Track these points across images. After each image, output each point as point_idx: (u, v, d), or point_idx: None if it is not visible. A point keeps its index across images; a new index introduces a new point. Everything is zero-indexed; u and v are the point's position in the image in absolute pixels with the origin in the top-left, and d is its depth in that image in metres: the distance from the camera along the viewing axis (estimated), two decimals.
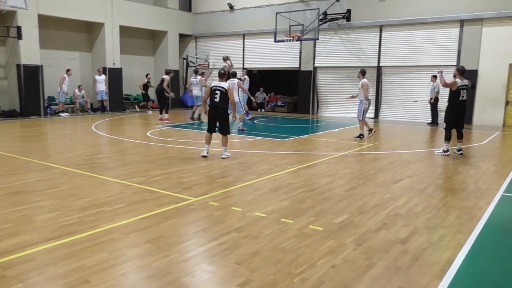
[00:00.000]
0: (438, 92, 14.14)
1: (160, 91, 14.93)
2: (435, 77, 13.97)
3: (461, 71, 8.43)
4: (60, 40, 17.76)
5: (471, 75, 14.51)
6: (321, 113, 18.52)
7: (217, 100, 7.88)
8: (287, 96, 20.40)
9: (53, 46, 17.42)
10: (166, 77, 14.98)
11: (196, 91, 14.57)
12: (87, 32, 18.74)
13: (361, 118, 10.93)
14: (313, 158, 8.21)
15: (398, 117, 16.43)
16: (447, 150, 8.53)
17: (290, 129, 13.03)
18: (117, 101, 18.63)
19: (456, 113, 8.46)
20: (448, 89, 8.63)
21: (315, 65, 18.32)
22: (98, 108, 18.09)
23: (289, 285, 3.10)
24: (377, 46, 16.66)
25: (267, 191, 5.75)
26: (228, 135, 8.17)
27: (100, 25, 18.09)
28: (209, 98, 8.04)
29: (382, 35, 16.55)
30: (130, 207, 4.95)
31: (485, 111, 14.65)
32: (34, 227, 4.26)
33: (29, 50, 15.68)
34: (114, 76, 18.19)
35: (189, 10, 22.15)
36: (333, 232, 4.18)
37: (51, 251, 3.66)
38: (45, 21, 16.24)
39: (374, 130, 11.08)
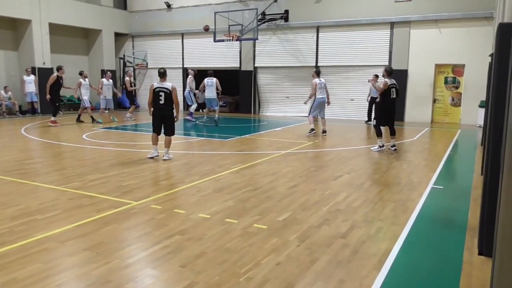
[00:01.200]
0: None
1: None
2: (377, 76, 14.48)
3: (389, 72, 8.91)
4: None
5: (401, 75, 15.45)
6: (263, 113, 18.74)
7: (162, 102, 7.64)
8: (228, 96, 20.41)
9: None
10: (54, 75, 13.23)
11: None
12: (12, 30, 17.43)
13: (308, 115, 12.03)
14: (256, 158, 8.29)
15: (336, 116, 17.06)
16: (382, 145, 9.01)
17: (232, 129, 13.05)
18: (49, 103, 17.53)
19: (387, 111, 8.94)
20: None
21: (256, 65, 18.50)
22: (28, 111, 16.93)
23: (235, 285, 3.10)
24: (315, 46, 17.18)
25: (211, 191, 5.71)
26: (172, 136, 8.01)
27: (27, 22, 16.91)
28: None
29: (319, 35, 17.09)
30: (65, 214, 4.68)
31: (415, 108, 15.66)
32: None
33: None
34: (45, 76, 17.11)
35: (124, 8, 21.40)
36: (277, 230, 4.24)
37: None
38: None
39: (314, 131, 11.56)
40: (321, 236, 4.10)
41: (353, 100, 16.73)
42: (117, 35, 20.86)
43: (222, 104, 19.89)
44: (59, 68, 13.27)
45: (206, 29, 14.53)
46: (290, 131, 12.75)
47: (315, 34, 17.11)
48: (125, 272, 3.32)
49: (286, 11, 17.27)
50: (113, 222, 4.48)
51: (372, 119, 9.19)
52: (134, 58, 21.00)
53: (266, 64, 18.33)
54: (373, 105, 14.96)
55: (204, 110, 14.87)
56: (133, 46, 21.41)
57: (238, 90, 19.19)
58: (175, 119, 7.97)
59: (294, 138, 11.00)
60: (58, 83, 13.11)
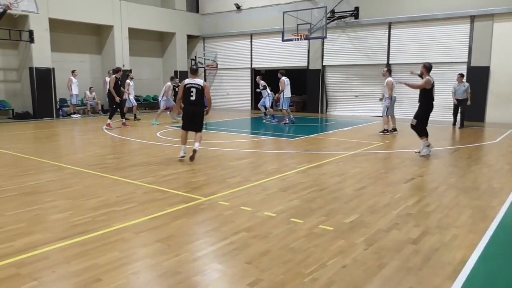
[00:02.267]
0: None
1: (108, 93, 13.08)
2: (462, 76, 13.57)
3: (428, 68, 8.10)
4: (71, 43, 17.98)
5: (482, 72, 14.38)
6: (330, 112, 18.44)
7: (193, 98, 7.48)
8: (295, 95, 20.33)
9: (64, 49, 17.64)
10: (112, 77, 12.83)
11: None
12: (97, 35, 18.92)
13: (384, 114, 11.66)
14: (323, 158, 8.18)
15: (409, 115, 16.25)
16: (429, 145, 8.24)
17: (299, 128, 13.00)
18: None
19: (429, 112, 8.23)
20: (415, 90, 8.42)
21: (324, 63, 18.25)
22: (109, 110, 18.23)
23: (299, 285, 3.09)
24: (386, 44, 16.55)
25: (276, 190, 5.74)
26: (202, 132, 7.84)
27: (110, 28, 18.26)
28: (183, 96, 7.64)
29: (391, 32, 16.43)
30: (140, 207, 4.99)
31: (498, 108, 14.46)
32: (47, 227, 4.31)
33: (41, 53, 15.89)
34: (124, 78, 18.31)
35: (197, 11, 22.24)
36: (344, 232, 4.16)
37: (63, 250, 3.71)
38: (55, 25, 16.45)
39: (388, 131, 11.30)
40: (390, 240, 3.94)
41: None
42: (189, 37, 21.74)
43: (289, 103, 19.98)
44: (118, 70, 12.99)
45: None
46: (359, 131, 12.41)
47: (387, 30, 16.48)
48: (193, 265, 3.46)
49: (357, 8, 16.84)
50: (183, 216, 4.68)
51: (413, 119, 8.28)
52: (205, 59, 21.75)
53: (334, 62, 18.01)
54: (459, 107, 13.87)
55: (287, 110, 13.95)
56: (204, 48, 22.18)
57: (306, 89, 19.07)
58: (206, 113, 7.80)
59: (363, 138, 10.69)
60: (117, 85, 12.80)
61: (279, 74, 13.66)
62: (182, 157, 7.77)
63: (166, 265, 3.42)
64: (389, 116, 11.72)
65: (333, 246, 3.79)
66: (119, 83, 12.99)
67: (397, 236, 4.05)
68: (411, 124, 8.31)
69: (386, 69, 11.81)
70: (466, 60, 14.75)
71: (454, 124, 13.89)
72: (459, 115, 13.28)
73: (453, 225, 4.37)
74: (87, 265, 3.41)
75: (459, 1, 14.68)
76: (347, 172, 6.88)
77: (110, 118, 12.92)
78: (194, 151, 7.57)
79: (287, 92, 13.55)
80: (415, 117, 8.26)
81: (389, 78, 11.26)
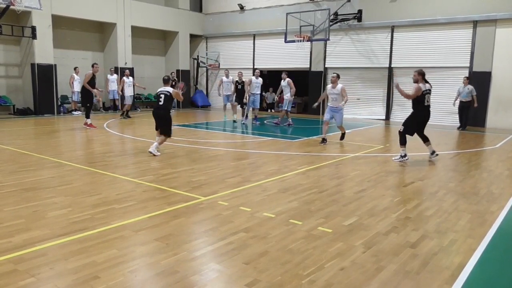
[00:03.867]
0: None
1: (82, 89, 12.45)
2: (468, 78, 13.63)
3: (423, 75, 7.88)
4: (73, 40, 18.00)
5: (484, 77, 14.38)
6: None
7: (161, 103, 8.35)
8: (297, 96, 20.36)
9: (66, 46, 17.66)
10: (89, 72, 12.07)
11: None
12: (100, 32, 18.94)
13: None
14: (323, 160, 8.18)
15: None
16: (405, 155, 8.01)
17: (299, 130, 13.00)
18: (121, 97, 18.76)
19: (420, 120, 8.04)
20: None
21: (326, 65, 18.26)
22: (110, 107, 18.27)
23: (297, 287, 3.09)
24: (389, 47, 16.56)
25: (276, 191, 5.74)
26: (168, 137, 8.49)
27: (112, 25, 18.27)
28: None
29: (394, 35, 16.44)
30: (140, 205, 4.99)
31: (499, 113, 14.46)
32: (46, 223, 4.31)
33: (43, 50, 15.91)
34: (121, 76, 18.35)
35: (200, 10, 22.26)
36: (342, 234, 4.16)
37: (62, 247, 3.71)
38: (58, 21, 16.47)
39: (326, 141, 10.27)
40: (388, 244, 3.94)
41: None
42: (192, 36, 21.76)
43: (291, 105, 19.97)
44: (93, 65, 12.26)
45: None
46: (359, 134, 12.41)
47: (390, 34, 16.49)
48: (191, 264, 3.46)
49: (360, 11, 16.84)
50: (182, 215, 4.68)
51: (401, 125, 8.13)
52: (207, 58, 21.77)
53: (337, 65, 18.01)
54: (463, 110, 13.81)
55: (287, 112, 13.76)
56: (206, 47, 22.19)
57: (307, 91, 19.07)
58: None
59: (363, 141, 10.69)
60: (93, 81, 12.02)
61: (283, 75, 13.49)
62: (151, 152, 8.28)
63: (164, 264, 3.42)
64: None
65: (331, 248, 3.79)
66: (95, 80, 12.17)
67: (396, 240, 4.05)
68: (399, 131, 8.13)
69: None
70: (468, 65, 14.75)
71: (460, 127, 13.89)
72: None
73: (451, 230, 4.37)
74: (85, 262, 3.41)
75: (462, 6, 14.69)
76: (346, 174, 6.88)
77: (87, 117, 12.30)
78: (149, 152, 8.25)
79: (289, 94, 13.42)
80: (403, 123, 8.12)
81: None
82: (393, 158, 8.25)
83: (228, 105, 15.20)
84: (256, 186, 6.00)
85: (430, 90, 8.00)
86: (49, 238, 3.90)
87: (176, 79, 17.63)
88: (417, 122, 8.06)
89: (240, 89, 14.39)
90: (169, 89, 8.55)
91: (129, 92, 15.66)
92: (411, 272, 3.36)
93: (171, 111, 8.65)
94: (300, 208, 4.99)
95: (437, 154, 8.31)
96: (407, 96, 7.88)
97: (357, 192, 5.80)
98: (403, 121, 8.22)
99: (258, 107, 14.56)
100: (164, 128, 8.39)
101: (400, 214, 4.84)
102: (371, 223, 4.50)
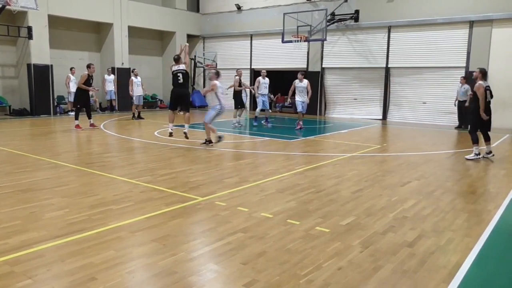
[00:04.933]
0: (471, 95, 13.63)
1: (76, 91, 12.34)
2: (465, 78, 13.70)
3: (483, 73, 8.24)
4: (70, 40, 17.94)
5: None
6: (329, 114, 18.47)
7: (180, 81, 8.93)
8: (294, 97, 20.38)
9: (63, 46, 17.61)
10: (84, 73, 11.97)
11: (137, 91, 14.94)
12: (96, 32, 18.89)
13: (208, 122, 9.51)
14: (320, 160, 8.19)
15: (407, 119, 16.34)
16: (479, 153, 8.35)
17: (297, 130, 12.99)
18: (126, 101, 18.74)
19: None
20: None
21: (323, 65, 18.28)
22: (107, 108, 18.22)
23: (295, 287, 3.09)
24: (386, 47, 16.59)
25: (274, 191, 5.74)
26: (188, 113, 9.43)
27: (109, 26, 18.23)
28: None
29: (391, 36, 16.48)
30: (137, 206, 4.98)
31: (495, 113, 14.42)
32: (42, 225, 4.30)
33: (39, 50, 15.85)
34: (124, 76, 18.33)
35: (197, 10, 22.24)
36: (340, 234, 4.16)
37: (59, 248, 3.69)
38: (55, 21, 16.42)
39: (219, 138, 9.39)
40: (386, 243, 3.95)
41: (425, 103, 15.93)
42: (189, 36, 21.73)
43: (288, 105, 19.90)
44: (88, 66, 12.14)
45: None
46: (356, 134, 12.43)
47: (387, 34, 16.52)
48: (189, 265, 3.46)
49: (357, 11, 16.88)
50: (180, 216, 4.68)
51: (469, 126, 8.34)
52: (204, 58, 21.74)
53: (334, 65, 18.05)
54: (462, 109, 13.88)
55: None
56: (203, 47, 22.17)
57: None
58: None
59: (360, 141, 10.70)
60: (88, 82, 11.92)
61: (299, 75, 12.75)
62: (171, 133, 9.48)
63: (161, 264, 3.42)
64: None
65: (329, 248, 3.80)
66: (91, 81, 12.07)
67: (393, 239, 4.06)
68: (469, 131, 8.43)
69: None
70: (464, 65, 14.80)
71: (459, 127, 13.96)
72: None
73: (449, 229, 4.38)
74: (83, 263, 3.40)
75: (458, 6, 14.73)
76: (344, 174, 6.89)
77: (76, 118, 12.07)
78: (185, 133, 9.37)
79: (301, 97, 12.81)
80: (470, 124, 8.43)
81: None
82: (466, 157, 8.44)
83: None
84: (254, 186, 6.00)
85: (489, 86, 8.36)
86: (46, 239, 3.88)
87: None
88: (481, 119, 8.20)
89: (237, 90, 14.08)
90: (183, 66, 9.07)
91: (138, 92, 15.05)
92: (408, 271, 3.37)
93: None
94: (298, 208, 5.00)
95: (493, 154, 8.49)
96: (481, 95, 8.02)
97: (354, 191, 5.81)
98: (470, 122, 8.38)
99: (268, 107, 14.22)
100: (186, 105, 9.16)
101: (397, 214, 4.85)
102: (368, 223, 4.51)
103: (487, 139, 8.44)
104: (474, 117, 8.26)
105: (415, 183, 6.39)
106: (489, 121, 8.32)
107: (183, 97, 9.26)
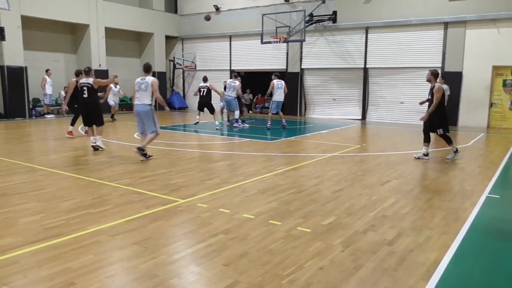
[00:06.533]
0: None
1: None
2: (443, 78, 13.98)
3: (436, 74, 8.25)
4: (44, 41, 17.54)
5: (455, 77, 14.80)
6: (309, 115, 18.61)
7: (85, 95, 8.66)
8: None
9: (37, 48, 17.19)
10: (72, 80, 11.02)
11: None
12: (72, 34, 18.52)
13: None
14: (301, 160, 8.24)
15: (385, 119, 16.61)
16: (457, 150, 8.40)
17: (277, 130, 13.05)
18: (105, 103, 18.40)
19: (446, 117, 8.25)
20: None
21: (302, 66, 18.41)
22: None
23: (277, 287, 3.09)
24: (363, 48, 16.83)
25: (255, 192, 5.74)
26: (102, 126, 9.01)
27: (85, 27, 17.90)
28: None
29: (368, 36, 16.73)
30: (117, 209, 4.90)
31: (470, 112, 14.90)
32: (17, 230, 4.18)
33: (13, 52, 15.44)
34: (100, 78, 17.95)
35: (175, 11, 22.07)
36: (321, 234, 4.19)
37: (35, 254, 3.60)
38: (28, 22, 16.02)
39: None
40: (366, 242, 4.00)
41: (402, 103, 16.22)
42: (168, 38, 21.55)
43: (268, 106, 19.93)
44: (78, 74, 10.64)
45: (207, 18, 14.27)
46: (336, 134, 12.56)
47: (364, 35, 16.77)
48: (170, 267, 3.42)
49: (335, 12, 17.06)
50: (160, 218, 4.62)
51: (437, 129, 8.25)
52: (183, 60, 21.60)
53: (313, 65, 18.20)
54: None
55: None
56: (182, 49, 22.02)
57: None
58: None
59: (340, 141, 10.82)
60: (76, 89, 10.43)
61: (273, 76, 13.19)
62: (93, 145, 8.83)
63: (142, 268, 3.37)
64: None
65: (310, 248, 3.82)
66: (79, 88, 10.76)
67: (373, 238, 4.11)
68: (440, 134, 8.28)
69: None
70: (440, 65, 15.14)
71: None
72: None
73: (426, 227, 4.47)
74: (60, 269, 3.31)
75: (433, 8, 15.08)
76: (324, 174, 6.95)
77: (72, 124, 11.33)
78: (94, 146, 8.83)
79: (275, 96, 13.12)
80: (439, 126, 8.22)
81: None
82: (449, 157, 8.40)
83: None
84: (235, 188, 5.98)
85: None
86: (21, 245, 3.78)
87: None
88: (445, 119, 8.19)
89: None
90: (91, 80, 8.83)
91: (112, 99, 15.20)
92: (388, 269, 3.42)
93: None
94: (279, 209, 5.01)
95: (428, 158, 8.43)
96: (437, 102, 7.94)
97: (335, 191, 5.86)
98: (437, 125, 8.19)
99: (235, 109, 14.08)
100: (96, 118, 8.87)
101: (377, 213, 4.92)
102: (349, 222, 4.56)
103: (429, 141, 8.39)
104: (440, 118, 8.18)
105: (394, 182, 6.49)
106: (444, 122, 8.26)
107: (92, 110, 8.79)
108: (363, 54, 16.84)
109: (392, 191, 5.97)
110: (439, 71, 14.99)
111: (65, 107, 9.84)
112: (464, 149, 9.98)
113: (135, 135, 11.34)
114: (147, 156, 7.85)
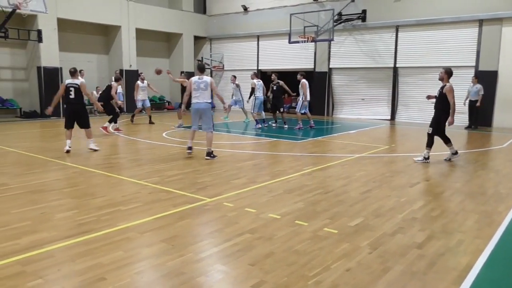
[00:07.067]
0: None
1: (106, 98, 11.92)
2: (476, 77, 13.64)
3: (450, 73, 7.93)
4: (78, 43, 18.11)
5: (490, 76, 14.30)
6: (336, 115, 18.41)
7: (72, 96, 8.41)
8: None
9: (72, 49, 17.77)
10: (114, 84, 12.02)
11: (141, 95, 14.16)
12: (104, 35, 19.04)
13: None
14: (328, 160, 8.16)
15: (415, 119, 16.22)
16: (428, 157, 7.99)
17: (304, 130, 12.98)
18: (133, 103, 18.80)
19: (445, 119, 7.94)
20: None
21: (330, 66, 18.23)
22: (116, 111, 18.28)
23: None
24: (393, 47, 16.51)
25: (281, 192, 5.73)
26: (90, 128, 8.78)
27: (117, 28, 18.36)
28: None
29: (398, 35, 16.39)
30: (145, 207, 5.00)
31: (506, 113, 14.35)
32: (52, 225, 4.34)
33: (49, 53, 16.03)
34: (131, 78, 18.43)
35: (204, 12, 22.31)
36: (348, 235, 4.14)
37: (68, 249, 3.72)
38: (63, 25, 16.58)
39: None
40: (395, 244, 3.92)
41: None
42: (196, 38, 21.81)
43: (295, 106, 19.83)
44: (118, 79, 12.36)
45: (158, 72, 12.76)
46: (364, 134, 12.37)
47: (394, 34, 16.43)
48: (197, 266, 3.46)
49: (364, 11, 16.81)
50: (188, 217, 4.69)
51: (429, 127, 8.04)
52: (211, 60, 21.80)
53: (341, 65, 17.99)
54: (473, 109, 13.70)
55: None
56: (210, 49, 22.24)
57: (311, 92, 18.98)
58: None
59: (368, 142, 10.65)
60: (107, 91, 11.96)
61: (299, 76, 13.00)
62: (68, 150, 8.54)
63: (170, 265, 3.43)
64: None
65: (337, 249, 3.78)
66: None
67: (402, 240, 4.03)
68: (428, 133, 8.01)
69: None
70: (474, 64, 14.67)
71: (469, 127, 13.83)
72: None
73: (458, 230, 4.34)
74: (92, 264, 3.42)
75: (467, 5, 14.61)
76: (352, 175, 6.86)
77: (114, 122, 12.15)
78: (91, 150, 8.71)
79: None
80: (431, 125, 7.99)
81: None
82: (415, 159, 8.10)
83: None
84: (262, 187, 6.00)
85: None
86: (56, 240, 3.92)
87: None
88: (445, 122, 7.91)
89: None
90: (78, 81, 8.57)
91: (142, 96, 14.45)
92: (417, 273, 3.34)
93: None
94: (306, 209, 4.98)
95: (458, 155, 8.16)
96: (454, 104, 7.73)
97: (362, 192, 5.78)
98: (432, 123, 8.01)
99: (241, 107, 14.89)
100: (83, 121, 8.66)
101: (406, 215, 4.82)
102: (377, 224, 4.49)
103: (449, 141, 8.07)
104: (437, 118, 7.96)
105: (424, 184, 6.34)
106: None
107: (78, 113, 8.57)
108: (393, 53, 16.51)
109: (421, 193, 5.83)
110: (473, 70, 14.58)
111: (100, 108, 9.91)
112: (499, 150, 9.63)
113: (174, 127, 11.55)
114: (213, 155, 8.09)
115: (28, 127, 13.45)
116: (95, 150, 8.73)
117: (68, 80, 8.59)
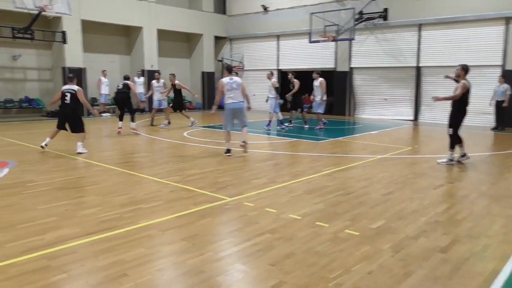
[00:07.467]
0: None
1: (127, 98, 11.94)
2: (503, 77, 13.31)
3: (466, 70, 7.61)
4: (101, 44, 18.45)
5: None
6: (358, 115, 18.20)
7: (67, 101, 8.53)
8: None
9: (95, 50, 18.12)
10: (131, 83, 12.18)
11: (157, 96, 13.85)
12: (126, 36, 19.35)
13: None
14: (349, 161, 8.07)
15: (438, 120, 15.88)
16: (453, 159, 7.77)
17: (325, 130, 12.88)
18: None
19: (463, 118, 7.73)
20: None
21: (351, 65, 18.04)
22: (137, 109, 18.55)
23: None
24: (416, 46, 16.21)
25: (302, 193, 5.70)
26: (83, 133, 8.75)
27: (139, 29, 18.63)
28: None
29: (421, 34, 16.08)
30: (167, 205, 5.05)
31: None
32: (76, 222, 4.43)
33: (73, 54, 16.39)
34: (152, 78, 18.60)
35: (224, 12, 22.40)
36: (370, 238, 4.08)
37: (91, 245, 3.80)
38: (87, 26, 16.93)
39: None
40: (417, 248, 3.85)
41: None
42: (217, 38, 21.91)
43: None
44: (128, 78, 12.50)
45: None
46: (386, 135, 12.19)
47: (417, 32, 16.14)
48: (217, 264, 3.47)
49: (385, 9, 16.57)
50: (208, 215, 4.71)
51: (448, 127, 7.80)
52: (231, 60, 21.87)
53: (362, 64, 17.78)
54: (500, 110, 13.38)
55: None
56: (231, 49, 22.31)
57: (332, 91, 18.87)
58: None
59: (390, 142, 10.49)
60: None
61: (314, 74, 12.89)
62: (43, 146, 8.76)
63: (190, 263, 3.45)
64: None
65: (358, 252, 3.73)
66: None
67: (425, 244, 3.94)
68: (449, 134, 7.78)
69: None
70: (500, 63, 14.26)
71: (496, 128, 13.47)
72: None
73: (484, 235, 4.22)
74: (114, 260, 3.47)
75: (493, 2, 14.21)
76: (374, 176, 6.76)
77: (132, 120, 12.10)
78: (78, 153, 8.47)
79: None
80: (450, 125, 7.78)
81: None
82: (438, 161, 7.88)
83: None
84: (282, 188, 5.98)
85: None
86: (79, 236, 4.00)
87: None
88: (461, 120, 7.74)
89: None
90: (74, 87, 8.66)
91: (157, 96, 14.21)
92: (441, 278, 3.26)
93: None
94: (326, 210, 4.94)
95: (468, 157, 7.94)
96: (455, 96, 7.53)
97: (384, 194, 5.69)
98: (450, 123, 7.80)
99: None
100: (74, 125, 8.78)
101: (430, 218, 4.72)
102: (399, 227, 4.41)
103: (460, 141, 7.83)
104: (454, 117, 7.76)
105: (448, 186, 6.20)
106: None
107: (69, 116, 8.66)
108: (416, 52, 16.22)
109: (446, 195, 5.70)
110: (500, 70, 14.18)
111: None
112: None
113: (188, 125, 11.63)
114: (229, 152, 8.31)
115: (52, 126, 13.72)
116: (82, 153, 8.46)
117: (65, 86, 8.80)
